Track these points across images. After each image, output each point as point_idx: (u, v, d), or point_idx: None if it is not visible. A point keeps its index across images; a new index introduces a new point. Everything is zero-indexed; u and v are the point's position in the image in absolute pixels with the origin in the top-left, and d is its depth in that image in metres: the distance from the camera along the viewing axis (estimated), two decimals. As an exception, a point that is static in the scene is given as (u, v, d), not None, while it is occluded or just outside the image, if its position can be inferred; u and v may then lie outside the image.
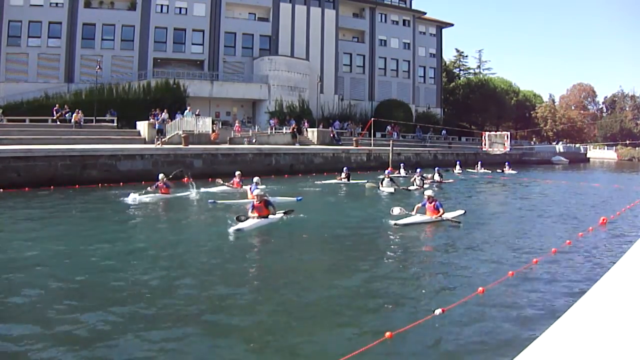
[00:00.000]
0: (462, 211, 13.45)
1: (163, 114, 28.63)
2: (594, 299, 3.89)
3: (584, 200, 19.64)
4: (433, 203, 12.27)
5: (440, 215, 12.14)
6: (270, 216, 11.66)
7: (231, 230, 10.68)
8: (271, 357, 5.12)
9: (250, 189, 15.33)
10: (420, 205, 12.54)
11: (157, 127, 26.00)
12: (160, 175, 16.36)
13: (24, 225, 11.60)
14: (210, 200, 15.25)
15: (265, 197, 11.96)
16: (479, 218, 14.11)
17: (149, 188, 15.91)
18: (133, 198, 15.08)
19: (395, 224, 11.61)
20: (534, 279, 7.66)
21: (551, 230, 12.25)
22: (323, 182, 22.44)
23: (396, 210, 12.70)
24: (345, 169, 23.51)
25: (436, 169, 24.97)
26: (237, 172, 18.69)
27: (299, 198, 15.96)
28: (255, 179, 16.27)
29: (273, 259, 8.98)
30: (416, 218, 12.22)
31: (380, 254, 9.48)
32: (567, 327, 3.26)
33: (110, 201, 15.70)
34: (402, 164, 27.75)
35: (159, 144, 24.46)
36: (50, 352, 4.93)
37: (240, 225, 10.92)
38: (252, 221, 11.20)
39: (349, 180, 22.54)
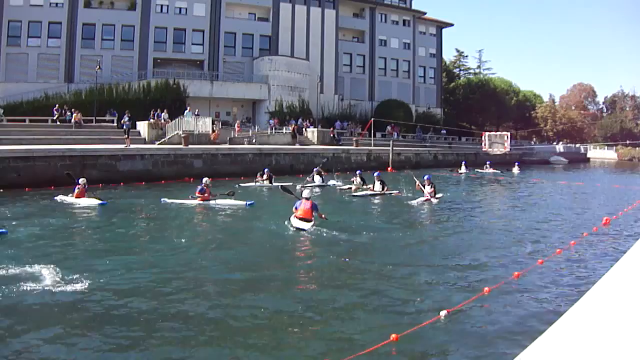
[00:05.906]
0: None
1: (161, 114, 28.53)
2: (594, 299, 3.86)
3: (586, 200, 19.62)
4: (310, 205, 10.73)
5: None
6: None
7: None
8: (275, 358, 5.07)
9: (198, 190, 14.58)
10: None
11: (124, 127, 25.26)
12: (81, 180, 14.62)
13: None
14: (162, 199, 14.87)
15: None
16: (482, 219, 14.06)
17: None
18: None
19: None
20: (539, 280, 7.62)
21: (555, 230, 12.20)
22: (241, 185, 19.63)
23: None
24: (266, 169, 20.92)
25: (358, 172, 19.59)
26: (82, 180, 14.77)
27: (250, 203, 14.55)
28: (205, 179, 14.89)
29: (273, 261, 8.91)
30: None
31: (383, 255, 9.41)
32: (567, 326, 3.23)
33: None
34: (315, 169, 21.76)
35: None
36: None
37: None
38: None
39: (271, 182, 20.05)
